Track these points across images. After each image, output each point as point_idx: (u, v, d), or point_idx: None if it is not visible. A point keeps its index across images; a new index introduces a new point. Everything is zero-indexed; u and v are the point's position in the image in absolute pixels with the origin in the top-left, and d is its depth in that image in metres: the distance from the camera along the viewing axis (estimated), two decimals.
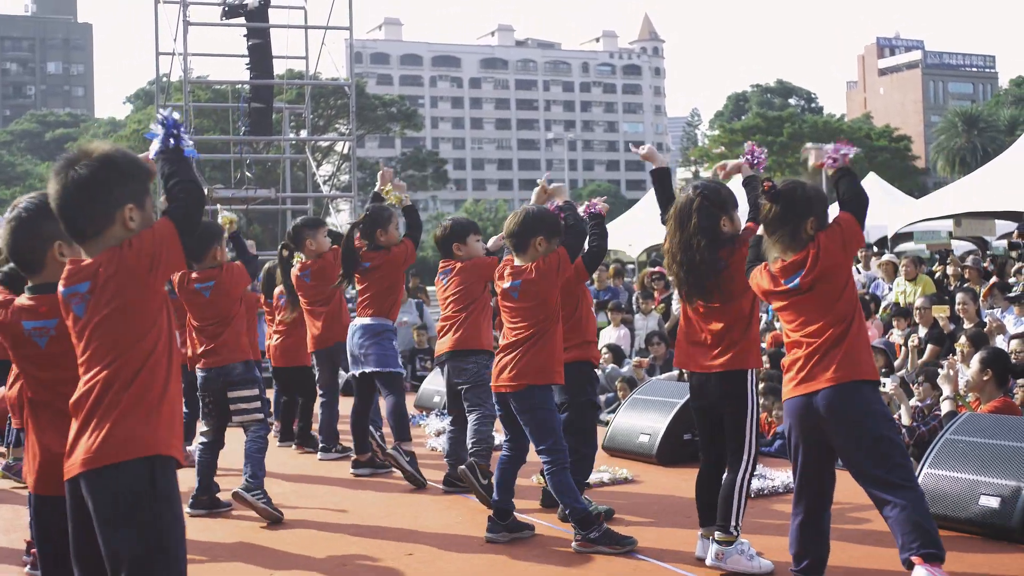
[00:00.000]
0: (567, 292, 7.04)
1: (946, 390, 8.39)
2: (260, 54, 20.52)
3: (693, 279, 5.80)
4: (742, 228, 5.93)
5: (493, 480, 6.90)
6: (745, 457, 5.75)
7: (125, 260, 3.62)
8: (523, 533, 6.80)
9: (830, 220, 5.34)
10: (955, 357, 9.20)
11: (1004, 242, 26.77)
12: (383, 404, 9.02)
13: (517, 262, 6.70)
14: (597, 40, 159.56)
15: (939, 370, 9.08)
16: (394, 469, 8.68)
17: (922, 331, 13.03)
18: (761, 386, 11.41)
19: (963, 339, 10.91)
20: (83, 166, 3.67)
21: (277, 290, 10.75)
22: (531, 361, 6.49)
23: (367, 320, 8.73)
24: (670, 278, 6.45)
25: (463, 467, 7.52)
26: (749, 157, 6.05)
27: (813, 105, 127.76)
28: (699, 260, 5.75)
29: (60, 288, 3.71)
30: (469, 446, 7.77)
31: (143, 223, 3.72)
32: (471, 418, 7.86)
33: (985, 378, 8.32)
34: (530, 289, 6.52)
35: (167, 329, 3.71)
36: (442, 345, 8.02)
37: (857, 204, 5.35)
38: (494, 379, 6.70)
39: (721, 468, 5.90)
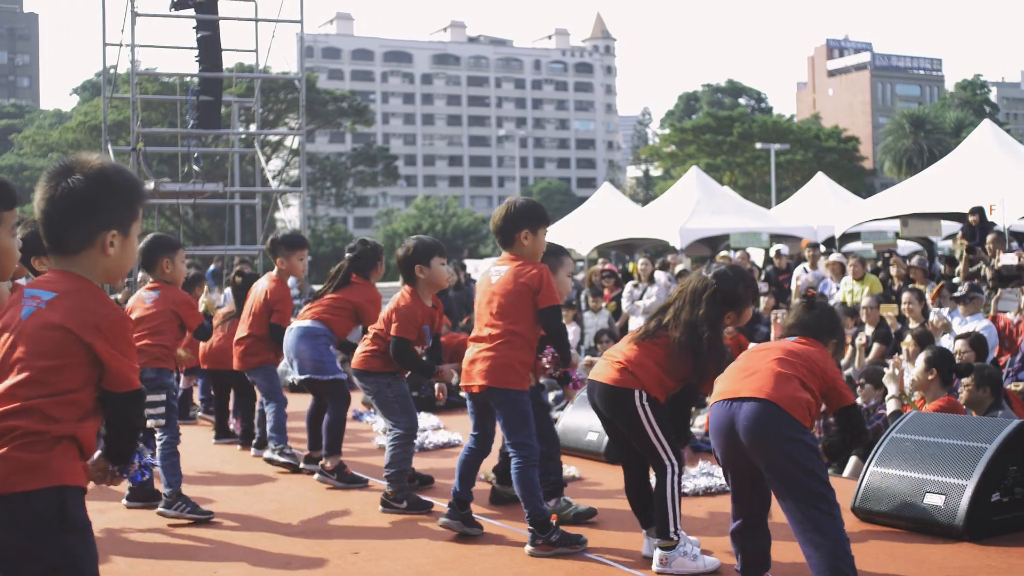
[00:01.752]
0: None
1: (891, 389, 8.44)
2: (209, 46, 20.38)
3: (683, 351, 5.80)
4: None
5: (456, 473, 6.80)
6: (666, 463, 5.73)
7: (80, 313, 3.42)
8: (474, 530, 6.75)
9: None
10: (900, 356, 9.26)
11: (950, 242, 27.05)
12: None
13: (504, 255, 6.60)
14: (549, 38, 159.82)
15: (884, 369, 9.15)
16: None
17: (869, 330, 13.11)
18: None
19: (908, 338, 11.00)
20: (77, 179, 3.46)
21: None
22: (499, 362, 6.41)
23: (306, 323, 8.64)
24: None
25: (381, 507, 7.50)
26: None
27: (763, 105, 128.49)
28: (697, 345, 5.77)
29: (24, 282, 3.56)
30: (384, 470, 7.61)
31: (122, 254, 3.54)
32: (389, 437, 7.71)
33: (930, 377, 8.38)
34: (503, 290, 6.46)
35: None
36: (354, 360, 7.95)
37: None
38: (466, 376, 6.62)
39: (643, 468, 5.92)
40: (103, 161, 3.55)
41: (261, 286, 9.43)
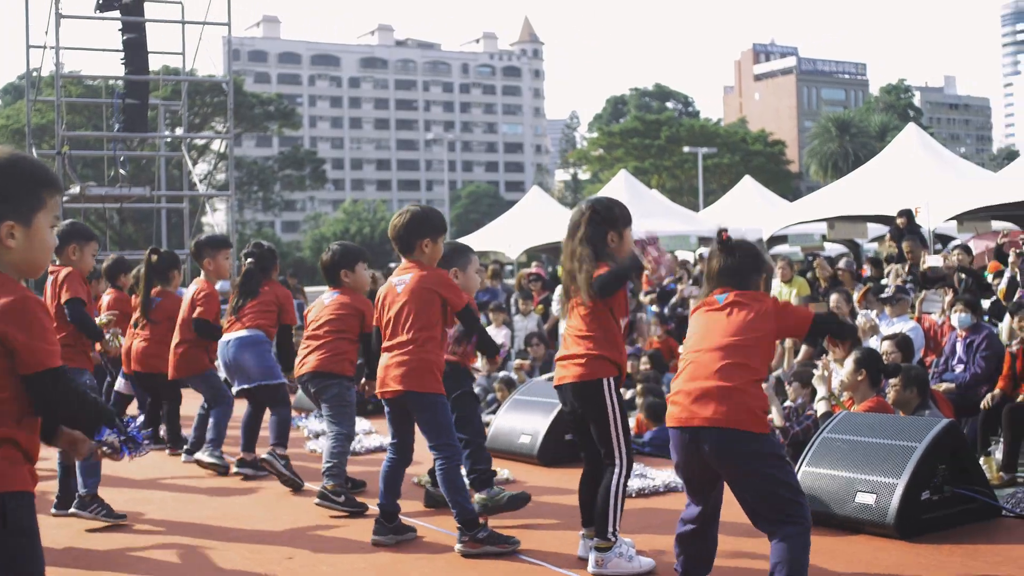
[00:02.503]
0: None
1: (821, 391, 8.52)
2: (135, 49, 20.16)
3: (575, 288, 5.82)
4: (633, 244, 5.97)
5: (380, 485, 6.80)
6: (617, 463, 5.74)
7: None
8: (407, 536, 6.74)
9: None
10: (828, 357, 9.34)
11: (875, 244, 27.38)
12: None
13: (404, 263, 6.69)
14: (477, 41, 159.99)
15: (814, 371, 9.22)
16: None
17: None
18: (639, 386, 11.51)
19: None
20: None
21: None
22: (415, 367, 6.46)
23: (243, 332, 8.62)
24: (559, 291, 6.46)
25: (317, 499, 7.49)
26: None
27: (690, 109, 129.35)
28: (581, 267, 5.77)
29: None
30: (324, 464, 7.64)
31: (27, 245, 3.39)
32: (328, 435, 7.77)
33: (859, 378, 8.46)
34: (412, 296, 6.52)
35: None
36: (304, 364, 7.91)
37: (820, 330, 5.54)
38: (382, 383, 6.60)
39: (601, 468, 5.91)
40: (4, 150, 3.45)
41: (190, 291, 9.38)
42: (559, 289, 17.33)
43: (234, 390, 9.01)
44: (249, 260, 8.88)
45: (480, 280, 8.55)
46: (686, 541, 5.15)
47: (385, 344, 6.66)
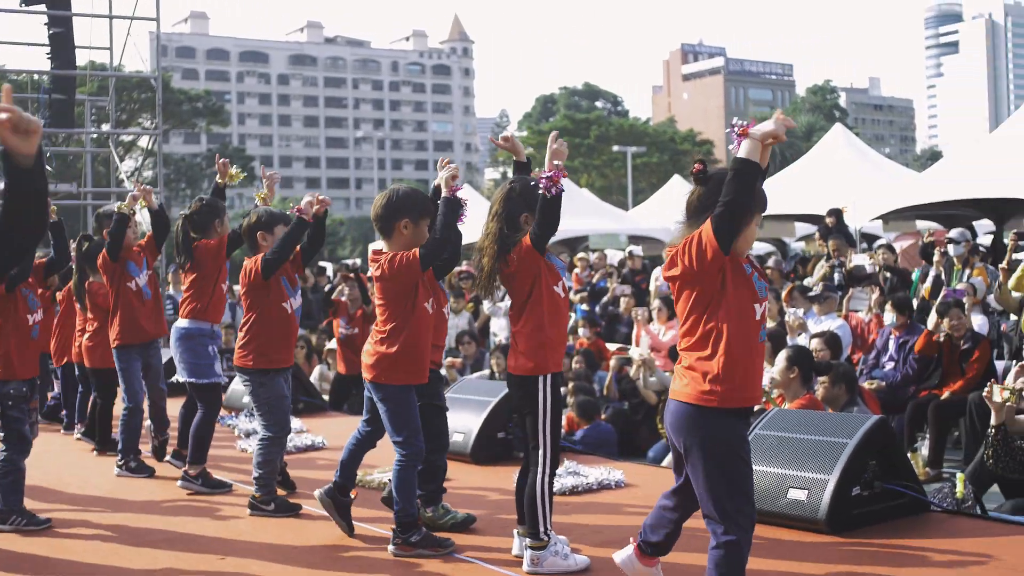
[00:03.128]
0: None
1: None
2: (61, 43, 19.86)
3: (484, 260, 5.81)
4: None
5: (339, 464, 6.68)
6: (541, 460, 5.70)
7: None
8: (343, 524, 6.66)
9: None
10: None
11: (802, 243, 27.66)
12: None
13: (380, 246, 6.37)
14: (407, 39, 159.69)
15: None
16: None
17: None
18: (571, 385, 11.55)
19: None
20: None
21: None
22: (382, 358, 6.27)
23: (184, 324, 8.39)
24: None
25: (249, 511, 7.40)
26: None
27: (619, 108, 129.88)
28: (488, 246, 5.76)
29: None
30: (253, 471, 7.46)
31: None
32: (258, 437, 7.53)
33: (792, 375, 8.56)
34: (381, 283, 6.27)
35: None
36: (236, 358, 7.71)
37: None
38: (363, 365, 6.40)
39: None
40: None
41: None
42: None
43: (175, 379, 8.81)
44: (182, 215, 8.57)
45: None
46: (659, 514, 5.04)
47: (374, 329, 6.43)
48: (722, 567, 4.52)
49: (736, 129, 4.52)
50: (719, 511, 4.53)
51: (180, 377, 8.47)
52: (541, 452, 5.70)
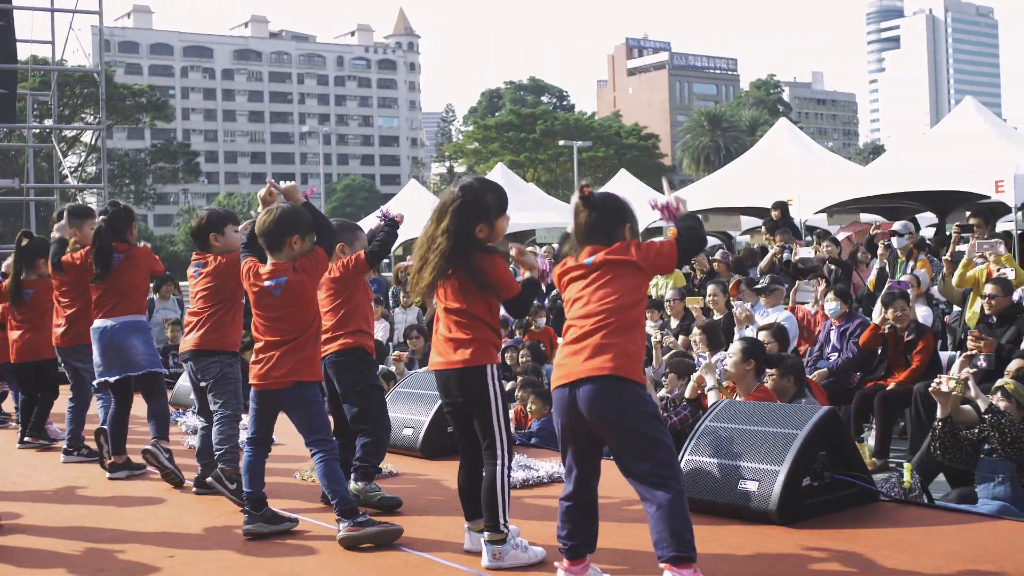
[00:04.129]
0: (343, 282, 7.13)
1: (710, 380, 8.66)
2: (2, 37, 19.67)
3: (425, 274, 5.67)
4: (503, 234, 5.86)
5: (241, 473, 6.70)
6: (499, 454, 5.66)
7: None
8: (283, 525, 6.64)
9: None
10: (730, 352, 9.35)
11: (748, 236, 27.82)
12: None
13: (272, 261, 6.51)
14: (352, 34, 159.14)
15: (688, 360, 9.38)
16: (151, 469, 8.39)
17: (674, 323, 13.39)
18: (519, 379, 11.56)
19: (696, 331, 11.31)
20: None
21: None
22: (301, 358, 6.39)
23: (129, 317, 8.38)
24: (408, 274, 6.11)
25: (210, 478, 7.40)
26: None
27: (565, 103, 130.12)
28: (434, 260, 5.62)
29: None
30: (215, 449, 7.48)
31: None
32: (215, 418, 7.51)
33: (747, 368, 8.62)
34: (293, 288, 6.41)
35: None
36: (186, 343, 7.73)
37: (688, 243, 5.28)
38: (256, 376, 6.51)
39: (479, 462, 5.88)
40: None
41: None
42: None
43: (109, 379, 8.67)
44: (100, 219, 8.54)
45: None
46: (571, 513, 5.15)
47: (257, 344, 6.54)
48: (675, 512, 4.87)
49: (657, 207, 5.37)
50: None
51: (127, 372, 8.38)
52: (499, 445, 5.67)
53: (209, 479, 7.41)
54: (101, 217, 8.50)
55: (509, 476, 5.70)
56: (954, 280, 12.36)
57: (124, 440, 8.72)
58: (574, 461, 5.16)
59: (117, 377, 8.41)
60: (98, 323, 8.43)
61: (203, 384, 7.63)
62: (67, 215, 9.24)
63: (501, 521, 5.62)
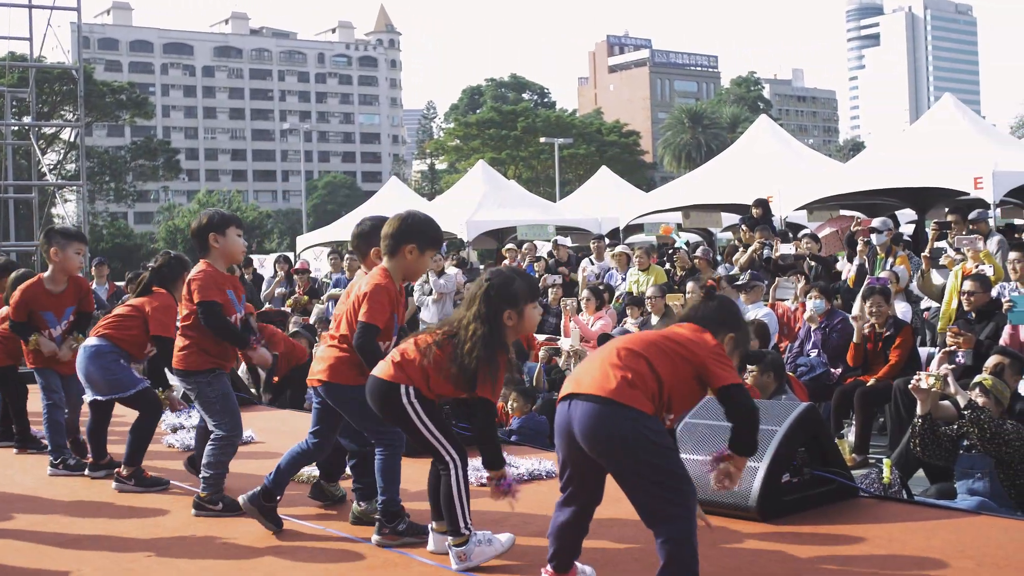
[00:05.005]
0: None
1: None
2: None
3: (449, 360, 5.54)
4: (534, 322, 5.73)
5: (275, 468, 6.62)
6: (448, 459, 5.61)
7: None
8: (268, 524, 6.62)
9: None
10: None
11: (729, 233, 27.88)
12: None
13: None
14: (333, 31, 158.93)
15: None
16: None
17: (654, 320, 13.41)
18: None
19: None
20: None
21: None
22: (345, 357, 6.30)
23: (92, 342, 8.22)
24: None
25: (194, 511, 7.17)
26: None
27: (546, 100, 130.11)
28: (473, 348, 5.47)
29: None
30: (202, 472, 7.23)
31: None
32: (210, 439, 7.28)
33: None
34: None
35: None
36: (176, 360, 7.58)
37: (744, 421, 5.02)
38: (315, 370, 6.41)
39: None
40: None
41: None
42: (419, 280, 17.40)
43: (88, 398, 8.62)
44: (149, 267, 8.46)
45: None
46: (563, 530, 5.08)
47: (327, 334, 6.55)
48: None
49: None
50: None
51: (100, 397, 8.31)
52: (446, 454, 5.62)
53: (194, 512, 7.29)
54: (150, 265, 8.48)
55: (466, 480, 5.65)
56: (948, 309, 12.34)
57: (103, 446, 8.61)
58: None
59: (100, 399, 8.36)
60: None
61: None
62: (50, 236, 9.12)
63: (461, 525, 5.58)
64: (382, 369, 5.70)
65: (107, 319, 8.38)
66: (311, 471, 7.73)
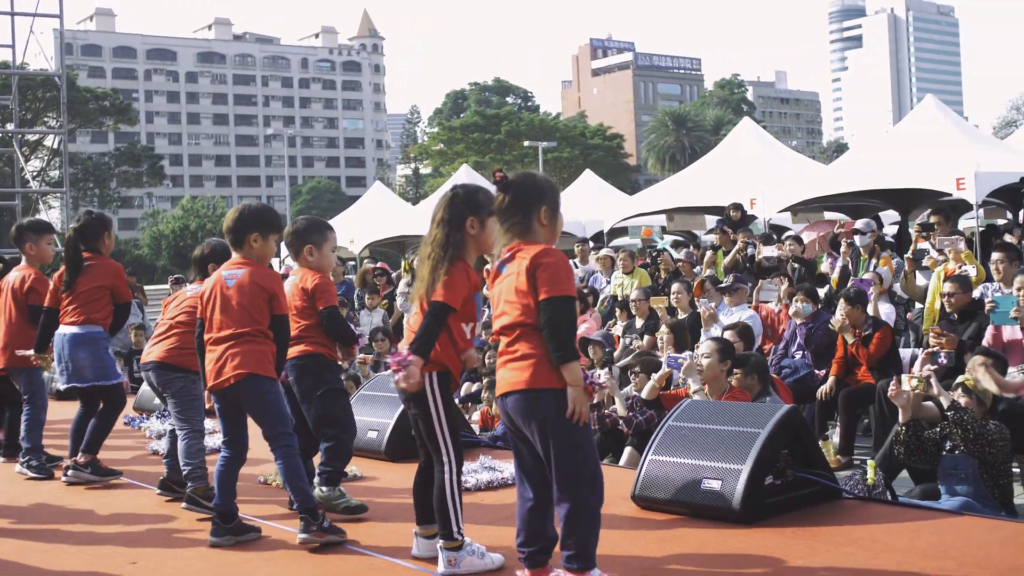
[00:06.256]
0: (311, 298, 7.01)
1: (694, 384, 8.68)
2: None
3: (423, 271, 5.64)
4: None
5: (214, 486, 6.66)
6: (445, 459, 5.62)
7: None
8: (248, 535, 6.60)
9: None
10: (699, 351, 9.30)
11: (713, 236, 27.92)
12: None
13: (236, 257, 6.60)
14: (316, 36, 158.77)
15: (657, 358, 9.37)
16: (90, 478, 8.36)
17: (639, 322, 13.41)
18: (485, 380, 11.57)
19: (663, 328, 11.34)
20: None
21: None
22: (252, 353, 6.40)
23: (77, 329, 8.28)
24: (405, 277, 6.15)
25: (184, 504, 7.30)
26: None
27: (530, 104, 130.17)
28: (431, 252, 5.61)
29: None
30: (182, 467, 7.36)
31: None
32: (180, 435, 7.43)
33: (723, 368, 8.70)
34: (243, 289, 6.44)
35: None
36: (151, 353, 7.62)
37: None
38: (212, 377, 6.48)
39: (433, 467, 5.87)
40: None
41: (13, 277, 9.13)
42: (402, 283, 17.42)
43: (62, 386, 8.65)
44: (72, 228, 8.50)
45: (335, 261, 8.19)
46: (529, 518, 5.17)
47: (214, 337, 6.54)
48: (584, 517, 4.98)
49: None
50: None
51: (79, 384, 8.31)
52: (444, 454, 5.62)
53: (184, 505, 7.30)
54: (72, 225, 8.47)
55: (459, 482, 5.65)
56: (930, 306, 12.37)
57: (81, 443, 8.59)
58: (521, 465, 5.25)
59: (65, 386, 8.39)
60: (59, 330, 8.41)
61: (165, 397, 7.59)
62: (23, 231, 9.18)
63: (454, 528, 5.56)
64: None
65: (79, 302, 8.36)
66: (270, 475, 7.78)
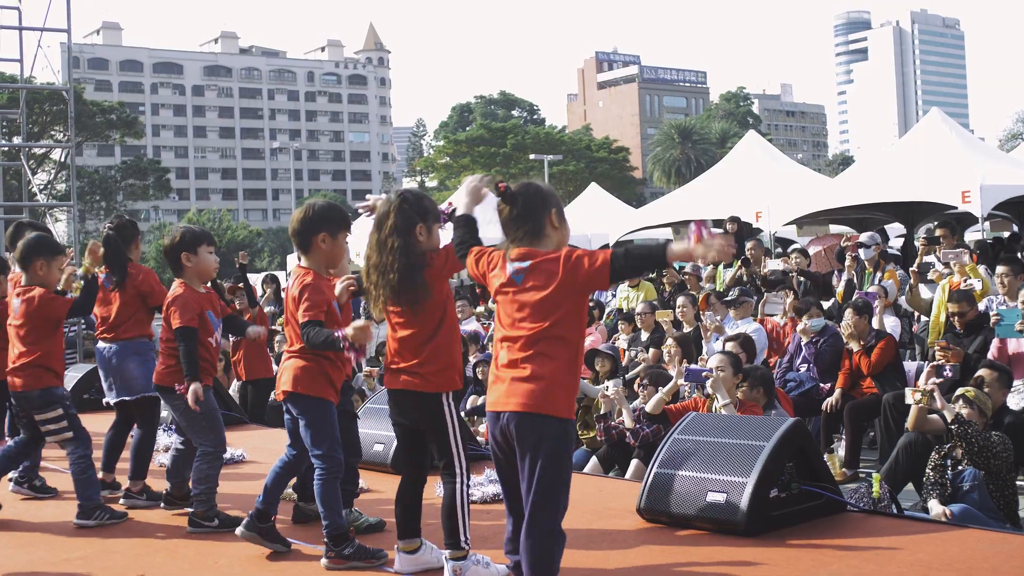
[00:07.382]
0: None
1: (721, 398, 8.68)
2: None
3: (383, 281, 5.67)
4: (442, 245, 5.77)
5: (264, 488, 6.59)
6: (457, 471, 5.64)
7: None
8: (277, 546, 6.55)
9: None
10: (717, 365, 9.28)
11: None
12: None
13: (303, 263, 6.39)
14: (322, 49, 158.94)
15: (666, 370, 9.39)
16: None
17: (644, 336, 13.43)
18: (481, 399, 11.58)
19: (670, 341, 11.36)
20: None
21: None
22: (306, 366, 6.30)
23: (128, 340, 8.11)
24: (365, 286, 6.05)
25: (190, 528, 7.18)
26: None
27: (535, 117, 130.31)
28: (390, 261, 5.62)
29: None
30: (192, 489, 7.30)
31: None
32: (196, 455, 7.31)
33: (736, 381, 8.73)
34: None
35: None
36: (155, 376, 7.43)
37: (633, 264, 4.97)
38: (279, 383, 6.41)
39: (420, 481, 5.87)
40: None
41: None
42: None
43: (112, 400, 8.38)
44: (109, 229, 8.22)
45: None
46: (512, 536, 5.16)
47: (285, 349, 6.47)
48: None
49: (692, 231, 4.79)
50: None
51: (129, 396, 8.19)
52: (457, 466, 5.64)
53: (189, 528, 7.27)
54: (109, 225, 8.30)
55: (467, 493, 5.68)
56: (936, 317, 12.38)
57: (116, 460, 8.56)
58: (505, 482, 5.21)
59: (115, 400, 8.27)
60: (99, 344, 8.33)
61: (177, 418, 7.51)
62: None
63: (462, 538, 5.58)
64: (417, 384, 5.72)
65: (126, 314, 8.21)
66: (289, 491, 7.77)
